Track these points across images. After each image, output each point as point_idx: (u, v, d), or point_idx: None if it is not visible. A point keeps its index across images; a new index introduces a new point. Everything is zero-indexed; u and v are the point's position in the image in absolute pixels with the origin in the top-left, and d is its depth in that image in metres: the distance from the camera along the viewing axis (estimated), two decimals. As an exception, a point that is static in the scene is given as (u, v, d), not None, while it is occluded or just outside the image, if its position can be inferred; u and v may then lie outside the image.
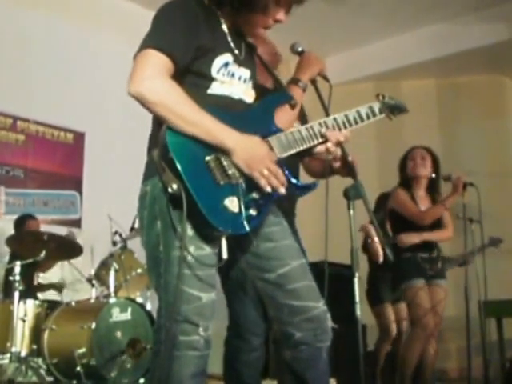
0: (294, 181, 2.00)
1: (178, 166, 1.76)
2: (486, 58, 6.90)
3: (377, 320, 5.47)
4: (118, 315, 4.40)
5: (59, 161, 6.15)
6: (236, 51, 2.02)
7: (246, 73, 2.06)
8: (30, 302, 4.61)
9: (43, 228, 5.38)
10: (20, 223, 5.32)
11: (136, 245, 4.09)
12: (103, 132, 6.18)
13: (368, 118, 2.19)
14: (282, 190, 1.88)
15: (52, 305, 4.69)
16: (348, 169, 2.26)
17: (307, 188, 2.07)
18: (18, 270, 4.50)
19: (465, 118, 7.35)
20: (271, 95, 2.11)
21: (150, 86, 1.80)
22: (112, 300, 4.52)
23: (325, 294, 2.57)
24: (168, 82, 1.83)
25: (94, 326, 4.22)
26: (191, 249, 1.83)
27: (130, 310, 4.46)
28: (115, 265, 4.78)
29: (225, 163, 1.84)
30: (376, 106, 2.23)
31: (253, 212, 1.87)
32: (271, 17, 1.98)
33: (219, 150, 1.84)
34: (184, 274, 1.81)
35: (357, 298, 2.25)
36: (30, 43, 5.95)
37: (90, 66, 6.22)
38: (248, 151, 1.85)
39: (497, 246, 5.19)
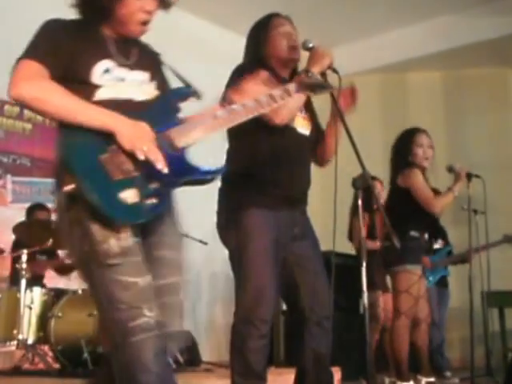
0: (200, 167, 2.02)
1: (72, 164, 1.87)
2: (492, 51, 6.90)
3: None
4: (124, 303, 4.41)
5: (66, 150, 6.15)
6: (119, 57, 2.06)
7: (141, 75, 2.10)
8: (37, 290, 4.65)
9: (49, 217, 5.39)
10: (30, 212, 5.34)
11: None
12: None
13: (282, 98, 2.21)
14: (160, 166, 1.90)
15: (58, 293, 4.73)
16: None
17: (214, 172, 2.05)
18: (24, 258, 4.55)
19: (470, 111, 7.35)
20: (172, 90, 2.15)
21: (25, 86, 1.88)
22: (118, 288, 4.53)
23: (331, 283, 2.60)
24: (43, 81, 1.91)
25: (100, 313, 4.25)
26: (112, 240, 1.90)
27: (136, 298, 4.48)
28: (122, 253, 4.79)
29: (119, 160, 1.90)
30: (291, 86, 2.26)
31: (154, 200, 1.93)
32: (134, 8, 2.00)
33: (111, 143, 1.89)
34: (114, 264, 1.89)
35: (364, 287, 2.29)
36: (37, 32, 5.95)
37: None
38: (130, 130, 1.91)
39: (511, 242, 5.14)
